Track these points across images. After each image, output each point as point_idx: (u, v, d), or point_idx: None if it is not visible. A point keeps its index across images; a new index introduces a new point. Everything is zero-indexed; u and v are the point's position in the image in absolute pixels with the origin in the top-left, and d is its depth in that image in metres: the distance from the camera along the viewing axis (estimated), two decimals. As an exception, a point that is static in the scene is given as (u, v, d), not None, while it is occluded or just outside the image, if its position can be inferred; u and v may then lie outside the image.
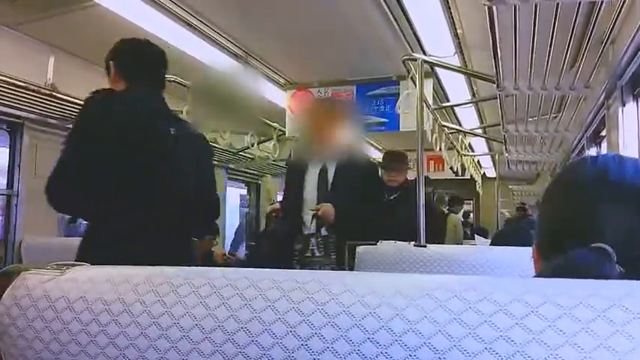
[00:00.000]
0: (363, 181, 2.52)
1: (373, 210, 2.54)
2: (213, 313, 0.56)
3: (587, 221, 0.66)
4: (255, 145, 4.85)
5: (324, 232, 2.43)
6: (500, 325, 0.48)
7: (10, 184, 3.23)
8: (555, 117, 3.20)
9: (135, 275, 0.63)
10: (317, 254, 2.43)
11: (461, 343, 0.48)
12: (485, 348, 0.47)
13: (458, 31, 3.09)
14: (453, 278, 0.55)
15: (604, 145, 3.27)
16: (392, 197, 3.56)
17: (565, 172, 0.80)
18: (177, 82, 3.10)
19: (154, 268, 0.65)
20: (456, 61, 3.43)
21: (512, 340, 0.47)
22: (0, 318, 0.64)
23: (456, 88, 4.20)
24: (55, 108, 3.20)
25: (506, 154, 4.55)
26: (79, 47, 3.33)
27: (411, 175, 3.65)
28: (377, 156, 7.16)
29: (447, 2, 2.70)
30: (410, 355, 0.48)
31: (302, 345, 0.51)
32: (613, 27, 1.95)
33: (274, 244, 2.60)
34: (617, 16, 1.86)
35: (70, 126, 3.39)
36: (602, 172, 0.67)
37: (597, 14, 1.74)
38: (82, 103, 3.09)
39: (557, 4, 1.56)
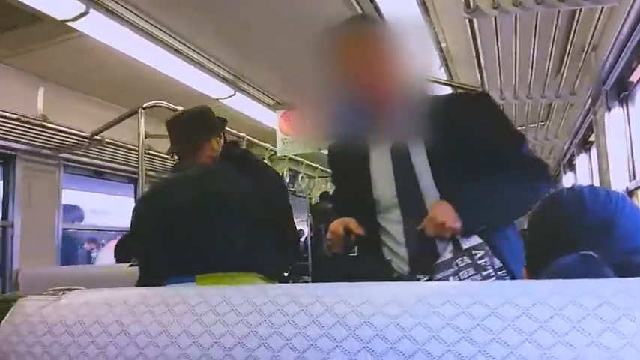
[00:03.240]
0: (484, 127, 1.35)
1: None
2: (209, 330, 0.56)
3: (571, 243, 0.74)
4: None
5: (447, 254, 1.27)
6: (492, 328, 0.48)
7: (4, 215, 3.22)
8: (544, 125, 3.24)
9: (130, 296, 0.63)
10: None
11: (455, 347, 0.48)
12: (479, 351, 0.48)
13: (442, 44, 3.13)
14: (446, 284, 0.55)
15: (593, 150, 3.30)
16: None
17: (547, 203, 0.90)
18: (168, 108, 3.11)
19: (148, 289, 0.66)
20: (442, 74, 3.47)
21: (506, 342, 0.47)
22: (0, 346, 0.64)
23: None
24: (46, 138, 3.21)
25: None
26: (68, 77, 3.34)
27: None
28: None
29: (429, 17, 2.74)
30: (406, 362, 0.49)
31: (299, 357, 0.52)
32: (594, 34, 1.99)
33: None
34: (597, 23, 1.89)
35: (63, 155, 3.44)
36: (578, 204, 0.78)
37: (577, 22, 1.77)
38: (73, 132, 3.10)
39: (537, 13, 1.59)
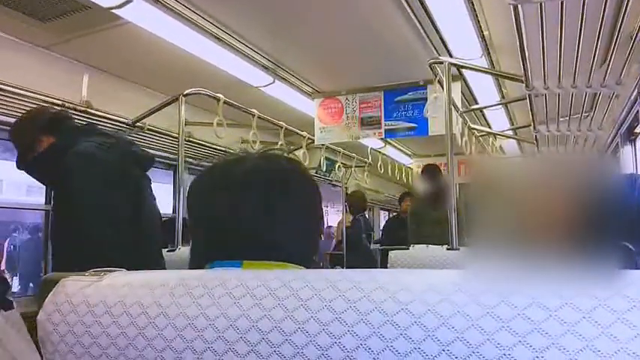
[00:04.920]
0: None
1: None
2: (247, 314, 0.57)
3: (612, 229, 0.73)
4: (286, 154, 4.87)
5: None
6: (534, 318, 0.47)
7: (49, 199, 3.33)
8: (587, 115, 3.15)
9: (170, 279, 0.64)
10: None
11: (494, 336, 0.47)
12: (520, 341, 0.47)
13: (484, 32, 3.06)
14: (486, 272, 0.54)
15: (639, 142, 3.19)
16: None
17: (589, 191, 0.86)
18: (208, 95, 3.15)
19: (188, 272, 0.67)
20: (483, 63, 3.40)
21: (547, 333, 0.46)
22: (42, 324, 0.66)
23: (485, 90, 4.15)
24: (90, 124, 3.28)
25: (539, 156, 4.48)
26: (111, 65, 3.41)
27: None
28: (406, 162, 7.13)
29: (472, 4, 2.68)
30: (443, 350, 0.48)
31: (335, 342, 0.52)
32: (644, 21, 1.92)
33: None
34: (648, 9, 1.82)
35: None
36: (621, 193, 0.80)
37: (626, 9, 1.70)
38: (116, 118, 3.21)
39: (584, 0, 1.54)
